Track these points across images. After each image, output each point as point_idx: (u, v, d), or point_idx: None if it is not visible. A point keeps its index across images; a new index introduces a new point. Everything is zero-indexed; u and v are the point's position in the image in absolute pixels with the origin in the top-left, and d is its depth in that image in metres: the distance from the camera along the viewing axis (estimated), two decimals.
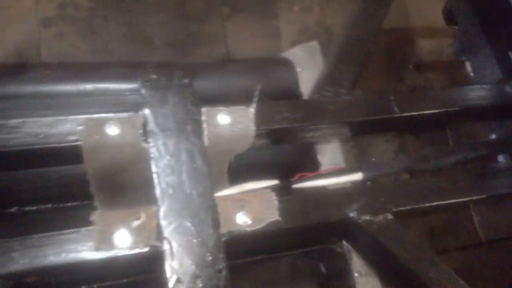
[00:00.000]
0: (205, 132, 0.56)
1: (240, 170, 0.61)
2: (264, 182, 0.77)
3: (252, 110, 0.58)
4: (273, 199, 0.56)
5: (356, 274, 0.95)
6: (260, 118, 0.58)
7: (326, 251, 0.96)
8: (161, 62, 1.13)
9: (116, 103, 0.82)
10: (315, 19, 1.62)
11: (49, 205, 0.79)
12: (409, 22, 1.70)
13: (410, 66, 1.62)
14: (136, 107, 0.81)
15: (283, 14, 1.59)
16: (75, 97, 0.86)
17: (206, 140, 0.56)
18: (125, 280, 0.64)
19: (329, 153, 0.96)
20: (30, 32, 1.32)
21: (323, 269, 0.93)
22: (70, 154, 0.53)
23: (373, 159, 1.04)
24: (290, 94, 1.02)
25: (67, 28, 1.35)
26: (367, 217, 0.58)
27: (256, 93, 0.59)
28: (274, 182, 0.78)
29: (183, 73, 0.57)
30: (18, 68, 0.91)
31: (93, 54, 1.32)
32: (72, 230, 0.49)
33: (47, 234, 0.48)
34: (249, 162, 0.65)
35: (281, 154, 0.88)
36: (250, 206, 0.54)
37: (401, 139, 1.46)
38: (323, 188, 0.62)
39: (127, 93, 0.89)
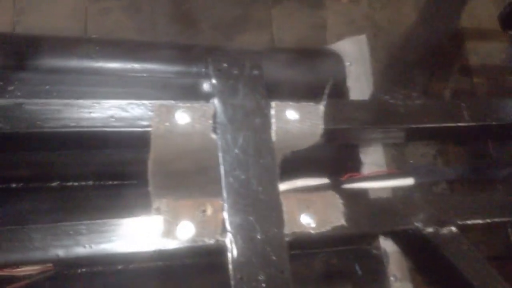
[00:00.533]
0: (273, 127, 0.54)
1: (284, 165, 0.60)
2: (314, 180, 0.76)
3: (321, 107, 0.56)
4: (339, 202, 0.54)
5: (391, 278, 0.93)
6: (328, 116, 0.56)
7: (362, 251, 0.95)
8: (209, 46, 1.11)
9: (164, 85, 0.81)
10: (363, 12, 1.58)
11: (90, 182, 0.79)
12: (459, 23, 1.64)
13: (457, 68, 1.57)
14: (183, 90, 0.80)
15: (331, 5, 1.55)
16: (122, 76, 0.85)
17: (273, 135, 0.54)
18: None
19: (372, 153, 0.93)
20: (77, 6, 1.32)
21: (358, 270, 0.92)
22: (137, 139, 0.52)
23: (425, 165, 1.01)
24: (337, 88, 0.99)
25: (114, 4, 1.34)
26: (431, 229, 0.56)
27: (327, 89, 0.57)
28: (324, 180, 0.76)
29: (254, 63, 0.56)
30: (66, 42, 0.91)
31: (138, 32, 1.31)
32: (136, 218, 0.48)
33: (109, 220, 0.47)
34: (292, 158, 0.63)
35: (323, 150, 0.86)
36: (315, 208, 0.53)
37: (442, 144, 1.42)
38: (388, 194, 0.60)
39: (173, 76, 0.87)
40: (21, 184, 0.74)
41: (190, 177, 0.63)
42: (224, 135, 0.52)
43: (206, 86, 0.79)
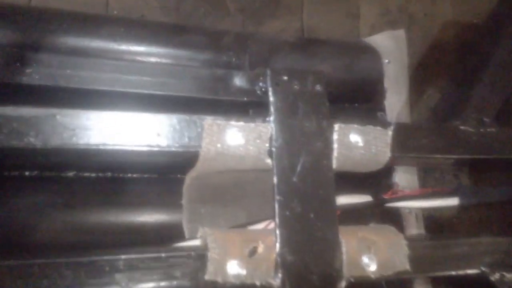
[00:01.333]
0: (335, 153, 0.48)
1: None
2: (357, 197, 0.70)
3: (390, 133, 0.50)
4: (403, 243, 0.48)
5: None
6: (395, 142, 0.50)
7: None
8: (240, 34, 1.02)
9: (193, 76, 0.74)
10: (398, 4, 1.49)
11: (109, 174, 0.72)
12: None
13: None
14: (213, 83, 0.72)
15: None
16: (149, 63, 0.78)
17: (335, 163, 0.48)
18: None
19: (405, 171, 0.86)
20: None
21: None
22: (182, 160, 0.46)
23: (470, 186, 0.95)
24: (372, 88, 0.91)
25: None
26: (497, 275, 0.50)
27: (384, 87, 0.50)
28: (367, 197, 0.70)
29: (318, 78, 0.49)
30: (89, 20, 0.83)
31: (162, 11, 1.23)
32: (183, 253, 0.42)
33: (149, 254, 0.42)
34: None
35: None
36: (377, 249, 0.47)
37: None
38: (454, 236, 0.54)
39: (201, 64, 0.80)
40: (35, 172, 0.68)
41: (226, 191, 0.57)
42: (281, 160, 0.46)
43: (211, 73, 0.70)
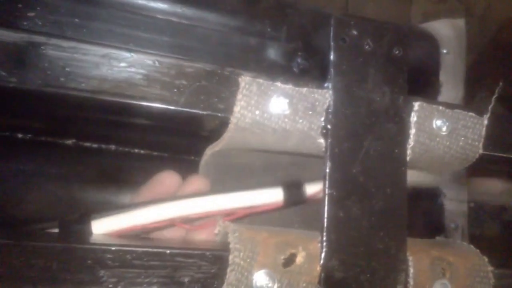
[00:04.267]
0: (411, 141, 0.35)
1: None
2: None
3: (485, 121, 0.37)
4: (487, 270, 0.36)
5: None
6: (488, 136, 0.37)
7: None
8: (280, 2, 0.89)
9: (220, 42, 0.62)
10: None
11: (113, 146, 0.62)
12: None
13: None
14: (244, 53, 0.61)
15: None
16: (170, 21, 0.65)
17: (409, 153, 0.35)
18: None
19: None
20: None
21: None
22: (205, 125, 0.34)
23: None
24: (427, 79, 0.78)
25: None
26: None
27: (496, 93, 0.37)
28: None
29: (398, 38, 0.36)
30: None
31: None
32: (196, 252, 0.31)
33: (160, 250, 0.30)
34: None
35: None
36: (454, 274, 0.35)
37: None
38: None
39: (230, 31, 0.68)
40: (29, 135, 0.58)
41: (252, 175, 0.45)
42: (339, 142, 0.33)
43: (241, 40, 0.61)
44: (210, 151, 0.39)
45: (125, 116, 0.37)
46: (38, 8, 0.51)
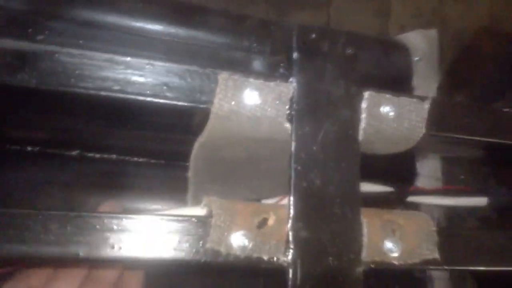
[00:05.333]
0: (363, 124, 0.43)
1: None
2: (378, 187, 0.65)
3: (426, 106, 0.44)
4: (432, 230, 0.42)
5: None
6: (431, 118, 0.44)
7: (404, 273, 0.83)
8: (264, 20, 0.97)
9: (210, 57, 0.69)
10: (432, 6, 1.41)
11: (113, 156, 0.69)
12: None
13: None
14: (231, 66, 0.68)
15: None
16: (164, 40, 0.73)
17: (361, 134, 0.43)
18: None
19: (429, 164, 0.81)
20: None
21: None
22: (191, 116, 0.42)
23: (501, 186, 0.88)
24: (401, 85, 0.86)
25: None
26: None
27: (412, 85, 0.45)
28: (389, 188, 0.65)
29: (350, 40, 0.43)
30: None
31: None
32: (184, 218, 0.37)
33: (146, 215, 0.37)
34: None
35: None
36: (403, 233, 0.42)
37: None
38: (490, 228, 0.48)
39: (220, 47, 0.75)
40: (38, 148, 0.65)
41: (237, 168, 0.52)
42: (302, 126, 0.41)
43: (229, 55, 0.68)
44: (197, 143, 0.46)
45: (125, 112, 0.44)
46: (46, 32, 0.58)
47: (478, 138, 0.45)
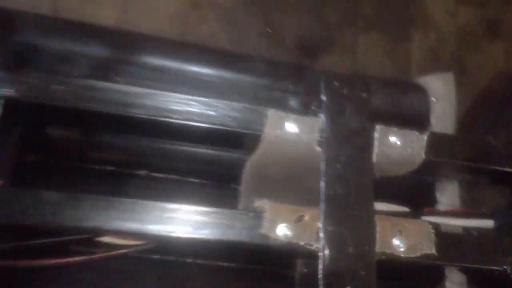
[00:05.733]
0: (375, 149, 0.56)
1: None
2: (395, 206, 0.76)
3: (425, 138, 0.58)
4: (431, 231, 0.55)
5: None
6: (429, 147, 0.58)
7: None
8: (297, 65, 1.13)
9: (253, 97, 0.85)
10: (450, 50, 1.57)
11: (175, 176, 0.83)
12: None
13: None
14: (271, 104, 0.83)
15: (418, 39, 1.55)
16: (216, 82, 0.90)
17: (374, 157, 0.56)
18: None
19: (448, 193, 0.92)
20: (177, 12, 1.41)
21: None
22: (247, 141, 0.56)
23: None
24: (419, 123, 0.98)
25: (211, 15, 1.42)
26: None
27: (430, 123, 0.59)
28: (405, 208, 0.77)
29: (364, 87, 0.58)
30: (169, 44, 0.97)
31: (230, 43, 1.38)
32: (243, 212, 0.52)
33: (220, 209, 0.51)
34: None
35: (401, 182, 0.86)
36: (407, 233, 0.54)
37: None
38: (481, 233, 0.60)
39: (260, 89, 0.91)
40: (115, 167, 0.81)
41: (282, 184, 0.66)
42: (329, 149, 0.55)
43: (270, 94, 0.82)
44: (249, 162, 0.60)
45: (196, 138, 0.59)
46: (123, 74, 0.75)
47: (467, 164, 0.58)
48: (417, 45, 1.55)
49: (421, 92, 1.02)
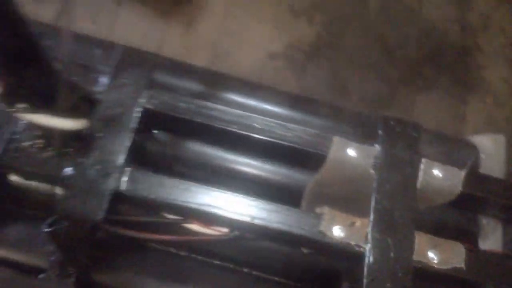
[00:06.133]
0: (420, 178, 0.69)
1: None
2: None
3: (463, 173, 0.70)
4: (462, 250, 0.65)
5: None
6: (467, 182, 0.69)
7: None
8: (357, 112, 1.26)
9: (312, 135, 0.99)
10: (505, 116, 1.65)
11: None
12: None
13: None
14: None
15: (474, 102, 1.65)
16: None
17: (418, 184, 0.69)
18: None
19: (489, 239, 0.99)
20: (258, 60, 1.62)
21: None
22: (314, 160, 0.71)
23: None
24: None
25: (286, 65, 1.62)
26: None
27: (470, 163, 0.71)
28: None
29: (415, 127, 0.72)
30: (251, 85, 1.15)
31: (300, 91, 1.56)
32: (304, 212, 0.66)
33: (286, 208, 0.66)
34: None
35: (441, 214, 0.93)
36: (441, 248, 0.65)
37: None
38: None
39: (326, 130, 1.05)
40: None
41: (339, 203, 0.79)
42: (381, 173, 0.68)
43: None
44: (313, 180, 0.74)
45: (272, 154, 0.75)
46: (204, 110, 0.92)
47: (501, 200, 0.69)
48: (473, 108, 1.65)
49: (471, 148, 1.13)
